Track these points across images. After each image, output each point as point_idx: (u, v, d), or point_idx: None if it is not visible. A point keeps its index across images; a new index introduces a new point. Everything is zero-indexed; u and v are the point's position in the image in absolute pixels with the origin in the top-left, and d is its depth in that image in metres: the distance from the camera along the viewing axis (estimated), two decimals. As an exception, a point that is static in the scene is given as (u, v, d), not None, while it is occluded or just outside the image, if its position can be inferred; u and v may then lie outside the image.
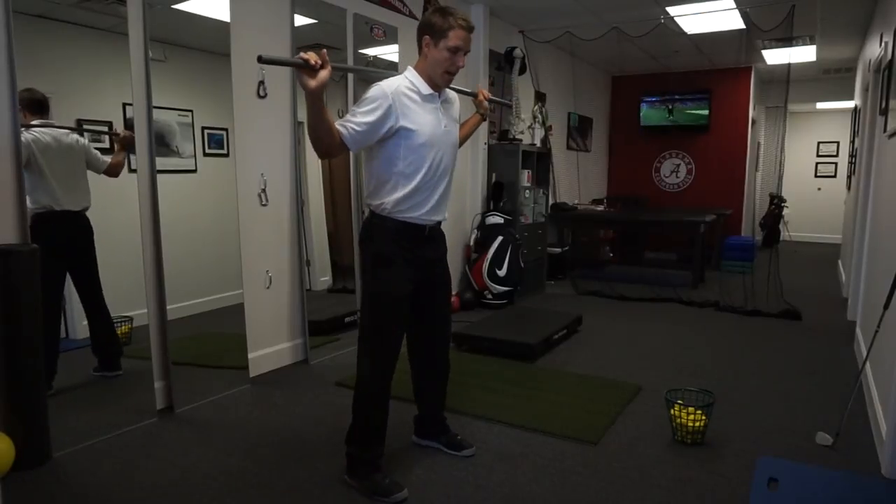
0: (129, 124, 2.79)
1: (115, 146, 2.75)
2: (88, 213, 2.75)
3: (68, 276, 2.76)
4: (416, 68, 2.18)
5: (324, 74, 1.82)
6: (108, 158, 2.75)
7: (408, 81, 2.13)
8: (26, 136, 2.42)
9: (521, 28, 5.99)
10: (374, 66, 4.24)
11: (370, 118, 2.01)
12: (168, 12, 3.02)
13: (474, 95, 2.56)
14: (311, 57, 1.80)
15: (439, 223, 2.30)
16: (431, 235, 2.26)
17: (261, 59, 1.76)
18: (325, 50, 1.84)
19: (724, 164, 8.03)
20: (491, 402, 3.02)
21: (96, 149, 2.73)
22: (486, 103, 2.56)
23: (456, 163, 2.32)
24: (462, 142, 2.43)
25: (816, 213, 10.25)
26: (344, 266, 4.24)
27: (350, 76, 4.01)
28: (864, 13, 5.30)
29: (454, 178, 2.33)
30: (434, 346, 2.45)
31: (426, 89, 2.15)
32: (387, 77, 2.14)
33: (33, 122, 2.50)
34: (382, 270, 2.17)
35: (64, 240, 2.70)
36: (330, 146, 1.98)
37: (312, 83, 1.82)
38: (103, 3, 2.72)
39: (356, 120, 2.00)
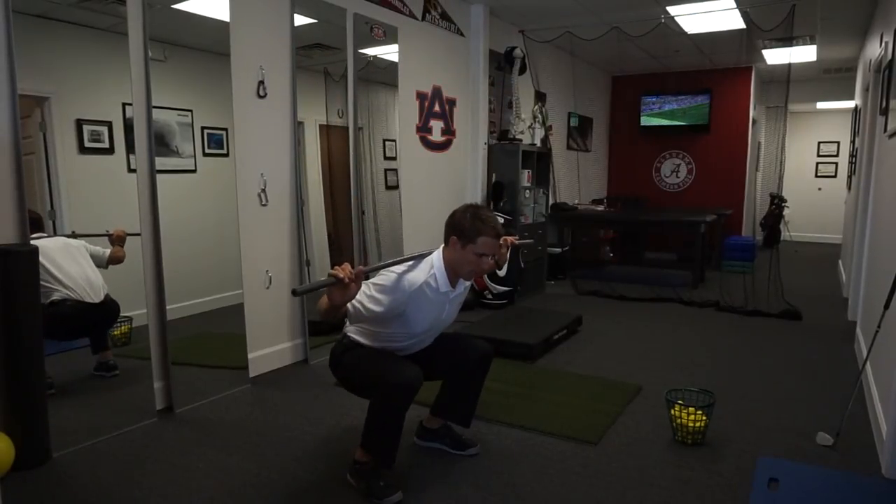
0: (128, 124, 2.79)
1: (112, 243, 2.83)
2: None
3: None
4: (443, 258, 2.17)
5: (353, 290, 1.86)
6: (107, 251, 2.81)
7: (433, 279, 2.13)
8: None
9: (521, 28, 5.99)
10: (374, 66, 4.24)
11: (379, 309, 2.03)
12: (168, 12, 3.01)
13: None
14: (342, 272, 1.80)
15: None
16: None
17: (295, 293, 1.83)
18: (361, 267, 1.88)
19: (724, 164, 8.03)
20: (491, 402, 3.01)
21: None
22: (504, 250, 2.33)
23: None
24: None
25: (817, 213, 10.25)
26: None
27: (350, 76, 4.01)
28: (865, 13, 5.30)
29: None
30: (448, 354, 2.39)
31: (445, 286, 2.17)
32: (419, 259, 2.16)
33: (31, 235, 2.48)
34: (357, 348, 2.25)
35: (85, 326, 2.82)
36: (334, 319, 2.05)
37: (339, 300, 1.85)
38: (103, 3, 2.72)
39: (367, 305, 2.01)
